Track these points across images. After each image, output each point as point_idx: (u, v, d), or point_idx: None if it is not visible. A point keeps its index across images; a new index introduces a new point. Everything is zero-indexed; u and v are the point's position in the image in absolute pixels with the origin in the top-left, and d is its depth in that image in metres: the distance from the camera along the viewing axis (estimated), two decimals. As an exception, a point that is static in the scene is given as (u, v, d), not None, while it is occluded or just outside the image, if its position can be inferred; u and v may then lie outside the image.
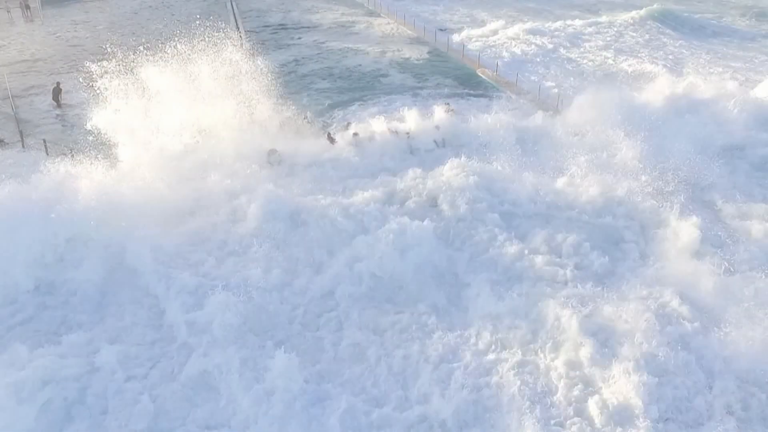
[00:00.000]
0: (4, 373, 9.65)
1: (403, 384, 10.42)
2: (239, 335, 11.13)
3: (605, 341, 10.82)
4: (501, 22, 37.91)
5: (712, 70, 29.47)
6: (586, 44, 34.60)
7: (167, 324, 11.50)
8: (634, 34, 37.44)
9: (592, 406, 9.65)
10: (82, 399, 9.83)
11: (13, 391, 9.38)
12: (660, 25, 39.48)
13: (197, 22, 35.21)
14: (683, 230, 13.98)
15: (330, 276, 12.69)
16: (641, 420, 9.28)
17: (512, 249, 13.39)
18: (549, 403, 9.89)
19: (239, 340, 11.02)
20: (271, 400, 9.81)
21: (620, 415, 9.43)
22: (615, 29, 38.13)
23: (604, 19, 40.18)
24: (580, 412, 9.65)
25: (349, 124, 19.30)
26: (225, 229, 13.99)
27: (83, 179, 13.81)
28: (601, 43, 34.99)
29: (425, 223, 13.52)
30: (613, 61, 30.98)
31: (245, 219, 14.16)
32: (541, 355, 10.75)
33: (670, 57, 32.34)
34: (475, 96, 23.34)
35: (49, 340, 10.91)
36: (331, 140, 18.11)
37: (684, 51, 34.18)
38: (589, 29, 37.53)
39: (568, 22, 39.18)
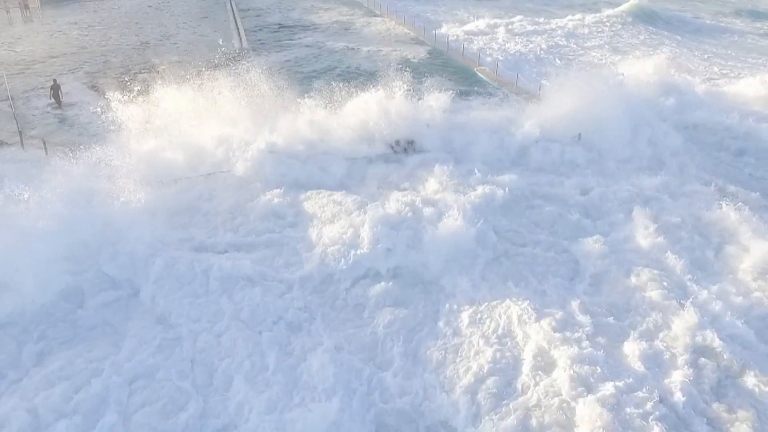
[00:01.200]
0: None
1: (395, 345, 11.13)
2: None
3: (577, 313, 11.70)
4: (488, 20, 38.48)
5: (708, 70, 29.68)
6: (582, 42, 35.13)
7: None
8: (627, 34, 37.89)
9: (560, 371, 10.13)
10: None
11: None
12: (647, 25, 40.19)
13: (197, 22, 35.40)
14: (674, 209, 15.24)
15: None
16: (604, 386, 9.81)
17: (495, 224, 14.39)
18: (521, 366, 10.45)
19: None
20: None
21: (585, 381, 9.93)
22: (609, 28, 38.74)
23: (590, 17, 40.93)
24: (550, 375, 10.20)
25: None
26: (230, 222, 14.73)
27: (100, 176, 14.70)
28: (597, 42, 35.42)
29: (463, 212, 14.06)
30: (605, 59, 31.12)
31: (255, 208, 15.05)
32: (516, 324, 11.31)
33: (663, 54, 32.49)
34: (474, 95, 23.34)
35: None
36: None
37: (677, 49, 34.33)
38: (582, 30, 38.10)
39: (558, 20, 39.95)
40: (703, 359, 10.57)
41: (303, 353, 10.81)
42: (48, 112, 21.82)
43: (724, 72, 29.98)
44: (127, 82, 24.91)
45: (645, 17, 41.50)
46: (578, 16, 41.25)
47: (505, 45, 33.68)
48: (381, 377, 10.40)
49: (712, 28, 41.34)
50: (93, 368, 10.32)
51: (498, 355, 10.65)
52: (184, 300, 11.94)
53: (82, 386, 9.96)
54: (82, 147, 16.93)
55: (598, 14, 41.90)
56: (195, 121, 18.74)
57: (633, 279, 12.73)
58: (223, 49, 30.78)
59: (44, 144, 18.05)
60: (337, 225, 13.96)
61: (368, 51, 30.87)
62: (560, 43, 34.58)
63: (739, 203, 15.51)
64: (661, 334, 11.22)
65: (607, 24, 39.67)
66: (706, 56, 33.45)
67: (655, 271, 12.80)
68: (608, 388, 9.73)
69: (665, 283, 12.41)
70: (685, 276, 12.76)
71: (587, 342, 10.79)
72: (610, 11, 42.42)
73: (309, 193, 15.59)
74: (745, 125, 20.06)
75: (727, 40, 38.50)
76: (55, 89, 22.33)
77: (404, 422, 9.71)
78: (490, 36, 35.61)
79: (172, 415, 9.65)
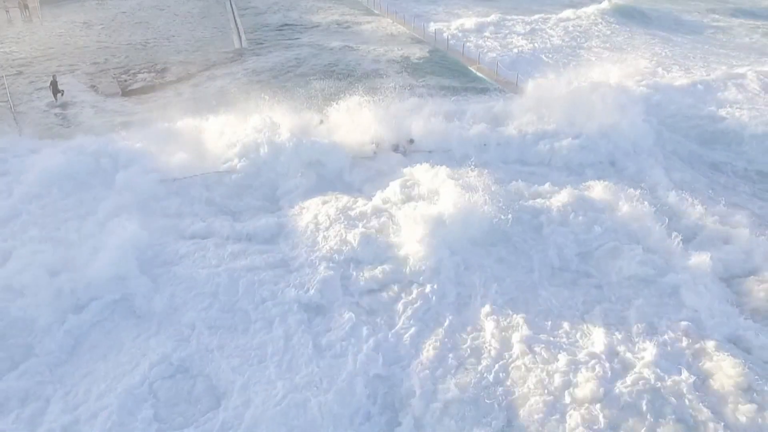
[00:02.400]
0: None
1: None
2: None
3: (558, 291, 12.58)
4: (479, 18, 38.97)
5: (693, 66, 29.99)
6: (577, 41, 35.29)
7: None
8: (618, 31, 38.42)
9: (528, 345, 10.84)
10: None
11: None
12: (637, 21, 40.98)
13: (197, 22, 35.36)
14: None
15: None
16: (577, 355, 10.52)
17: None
18: (489, 339, 11.11)
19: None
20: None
21: (554, 353, 10.65)
22: (603, 26, 39.29)
23: (582, 14, 41.43)
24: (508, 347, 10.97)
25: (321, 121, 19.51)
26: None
27: None
28: (589, 40, 35.65)
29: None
30: (597, 58, 31.24)
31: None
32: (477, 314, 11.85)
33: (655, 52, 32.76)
34: (473, 94, 23.30)
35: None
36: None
37: (666, 47, 34.47)
38: (576, 28, 38.34)
39: (552, 18, 40.42)
40: (675, 335, 11.09)
41: (310, 335, 11.17)
42: (47, 111, 21.79)
43: (713, 67, 30.17)
44: (126, 81, 24.90)
45: (631, 15, 42.22)
46: (567, 13, 41.62)
47: (503, 44, 33.67)
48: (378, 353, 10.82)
49: (699, 25, 41.93)
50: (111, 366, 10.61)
51: (473, 330, 11.34)
52: (188, 290, 12.25)
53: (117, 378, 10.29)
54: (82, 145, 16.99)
55: (586, 10, 42.27)
56: (194, 120, 18.77)
57: (611, 256, 13.33)
58: (223, 48, 30.79)
59: (43, 143, 18.06)
60: (339, 217, 14.37)
61: (368, 50, 30.82)
62: (555, 42, 34.69)
63: (710, 190, 16.70)
64: (634, 309, 11.80)
65: (601, 23, 40.06)
66: (695, 53, 33.70)
67: (636, 248, 13.42)
68: (580, 356, 10.44)
69: (643, 262, 13.02)
70: (662, 256, 13.31)
71: (564, 316, 11.60)
72: (596, 7, 43.05)
73: (310, 189, 15.95)
74: (717, 118, 21.05)
75: (711, 36, 39.01)
76: (54, 85, 22.44)
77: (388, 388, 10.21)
78: (484, 34, 35.81)
79: (198, 405, 9.95)
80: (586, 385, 9.83)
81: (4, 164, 16.52)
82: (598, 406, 9.47)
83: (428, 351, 10.79)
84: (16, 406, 9.84)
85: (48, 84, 22.67)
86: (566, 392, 9.81)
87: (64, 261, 12.31)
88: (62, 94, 22.63)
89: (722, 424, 9.20)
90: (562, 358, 10.39)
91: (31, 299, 11.43)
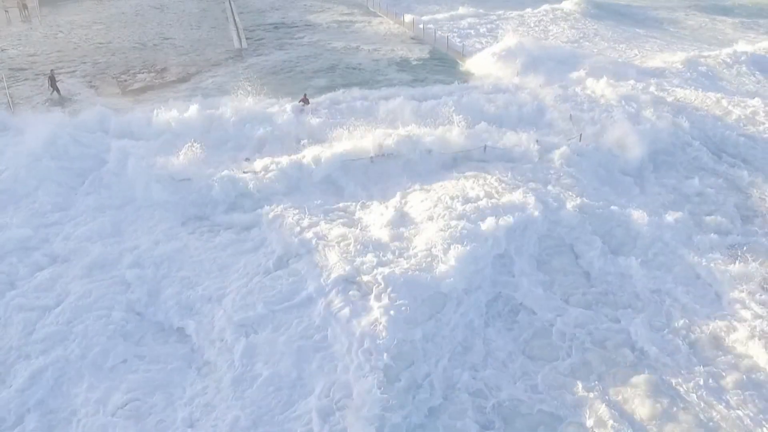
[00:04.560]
0: None
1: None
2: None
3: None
4: (472, 17, 40.07)
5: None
6: (576, 40, 35.29)
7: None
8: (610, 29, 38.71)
9: None
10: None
11: None
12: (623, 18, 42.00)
13: (196, 22, 35.27)
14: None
15: None
16: None
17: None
18: None
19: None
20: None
21: None
22: (589, 22, 40.25)
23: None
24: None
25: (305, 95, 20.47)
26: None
27: None
28: (604, 44, 35.59)
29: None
30: (589, 52, 31.60)
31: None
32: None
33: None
34: (473, 94, 23.17)
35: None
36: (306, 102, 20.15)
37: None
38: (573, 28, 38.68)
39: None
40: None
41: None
42: (47, 111, 21.78)
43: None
44: (126, 81, 24.91)
45: (607, 10, 43.53)
46: (550, 8, 42.46)
47: (502, 43, 33.67)
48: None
49: (673, 20, 43.00)
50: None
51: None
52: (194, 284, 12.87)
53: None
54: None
55: (565, 6, 42.98)
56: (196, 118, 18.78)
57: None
58: (222, 48, 30.80)
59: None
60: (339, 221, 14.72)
61: (368, 50, 30.83)
62: (550, 39, 34.90)
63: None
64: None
65: (580, 18, 40.91)
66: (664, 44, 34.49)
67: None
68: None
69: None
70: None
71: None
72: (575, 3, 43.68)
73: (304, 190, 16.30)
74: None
75: (684, 29, 40.31)
76: (52, 79, 22.60)
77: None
78: (482, 33, 36.26)
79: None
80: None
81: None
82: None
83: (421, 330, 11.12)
84: None
85: (47, 78, 22.82)
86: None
87: None
88: (59, 93, 22.68)
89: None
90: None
91: None
